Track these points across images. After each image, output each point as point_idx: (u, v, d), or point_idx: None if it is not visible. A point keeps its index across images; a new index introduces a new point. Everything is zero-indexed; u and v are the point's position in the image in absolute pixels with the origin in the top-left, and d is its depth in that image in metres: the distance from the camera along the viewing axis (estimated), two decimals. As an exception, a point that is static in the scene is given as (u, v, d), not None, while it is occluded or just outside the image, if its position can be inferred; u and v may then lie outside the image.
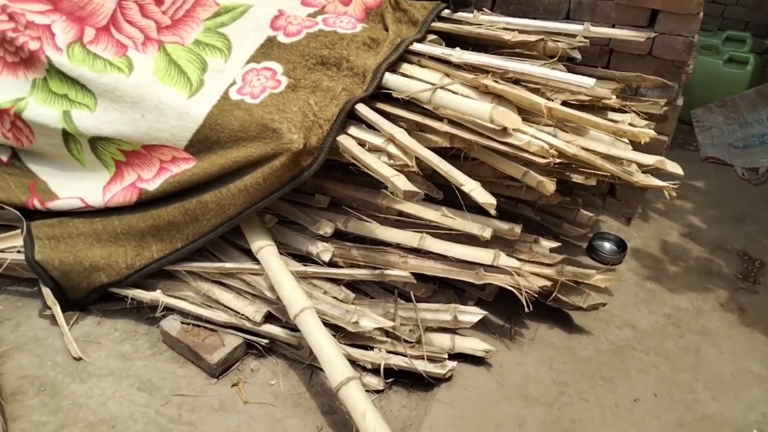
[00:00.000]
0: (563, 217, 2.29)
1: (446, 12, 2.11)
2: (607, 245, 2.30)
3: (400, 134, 1.62)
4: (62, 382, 1.63)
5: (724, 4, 3.63)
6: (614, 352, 1.86)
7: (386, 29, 2.03)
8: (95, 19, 2.05)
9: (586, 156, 1.61)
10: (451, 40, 2.07)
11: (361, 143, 1.71)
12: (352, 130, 1.75)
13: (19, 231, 1.93)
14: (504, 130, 1.64)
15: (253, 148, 1.70)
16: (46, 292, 1.84)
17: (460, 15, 2.08)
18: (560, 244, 2.00)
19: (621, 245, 2.28)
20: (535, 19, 2.12)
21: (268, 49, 1.94)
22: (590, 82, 1.63)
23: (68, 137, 1.95)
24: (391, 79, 1.82)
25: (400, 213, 1.90)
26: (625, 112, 1.99)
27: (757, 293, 2.13)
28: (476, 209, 1.81)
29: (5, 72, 2.04)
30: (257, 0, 2.12)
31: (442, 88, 1.75)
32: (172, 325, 1.80)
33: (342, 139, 1.71)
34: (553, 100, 1.85)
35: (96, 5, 2.06)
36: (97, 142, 1.92)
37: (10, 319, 1.85)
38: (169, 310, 1.83)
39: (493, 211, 1.51)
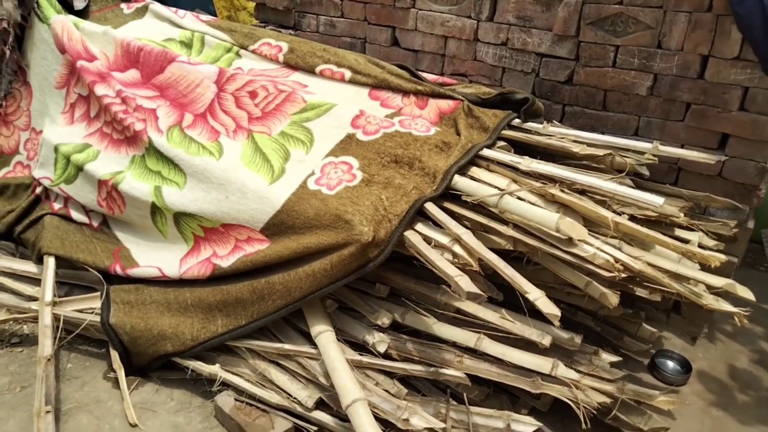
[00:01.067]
0: (624, 330, 2.23)
1: (517, 121, 2.21)
2: (671, 364, 2.20)
3: (466, 235, 1.67)
4: (117, 447, 1.67)
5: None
6: (678, 483, 1.74)
7: (458, 134, 2.14)
8: (195, 107, 2.28)
9: (652, 273, 1.61)
10: (520, 148, 2.16)
11: (427, 240, 1.77)
12: (420, 226, 1.82)
13: (98, 294, 2.06)
14: (569, 240, 1.67)
15: (324, 236, 1.79)
16: (114, 355, 1.93)
17: (530, 125, 2.18)
18: (621, 358, 1.94)
19: (685, 365, 2.19)
20: (603, 134, 2.19)
21: (347, 144, 2.08)
22: (659, 201, 1.65)
23: (156, 210, 2.11)
24: (460, 181, 1.91)
25: (458, 310, 1.91)
26: (694, 230, 1.98)
27: (838, 434, 1.97)
28: (536, 315, 1.81)
29: (110, 148, 2.28)
30: (341, 100, 2.31)
31: (510, 193, 1.81)
32: (226, 401, 1.83)
33: (409, 234, 1.78)
34: (620, 214, 1.88)
35: (197, 94, 2.30)
36: (180, 217, 2.07)
37: (77, 378, 1.94)
38: (225, 385, 1.87)
39: (557, 323, 1.51)
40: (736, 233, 1.99)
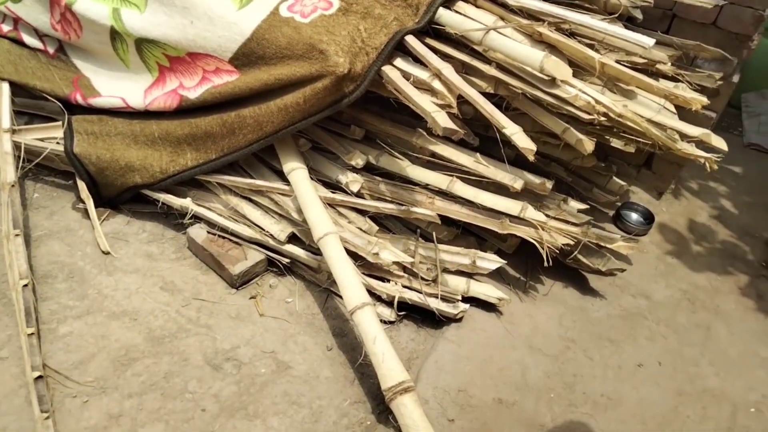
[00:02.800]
0: (595, 182, 2.26)
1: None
2: (635, 215, 2.28)
3: (447, 70, 1.60)
4: (90, 272, 1.70)
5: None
6: (625, 318, 1.88)
7: (445, -37, 1.96)
8: None
9: (631, 117, 1.58)
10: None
11: (406, 76, 1.69)
12: (399, 62, 1.73)
13: (60, 123, 1.96)
14: (553, 81, 1.61)
15: (297, 67, 1.69)
16: (81, 185, 1.89)
17: (523, -42, 2.00)
18: (588, 206, 1.99)
19: (648, 217, 2.27)
20: (600, -28, 2.03)
21: (324, -31, 1.90)
22: (649, 42, 1.57)
23: (115, 36, 1.95)
24: (444, 14, 1.78)
25: (433, 154, 1.89)
26: (678, 81, 1.93)
27: (778, 283, 2.12)
28: (509, 162, 1.80)
29: (60, -39, 2.03)
30: None
31: (495, 30, 1.71)
32: (198, 233, 1.85)
33: (387, 69, 1.69)
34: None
35: None
36: (143, 44, 1.92)
37: (45, 207, 1.91)
38: (196, 218, 1.88)
39: (532, 157, 1.51)
40: (719, 86, 1.95)
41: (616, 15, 1.84)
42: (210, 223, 1.88)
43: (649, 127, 1.58)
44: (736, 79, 2.02)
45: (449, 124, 1.49)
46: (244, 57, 1.80)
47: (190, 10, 1.84)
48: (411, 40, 1.70)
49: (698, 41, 1.94)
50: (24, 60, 2.09)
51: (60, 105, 1.99)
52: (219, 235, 1.85)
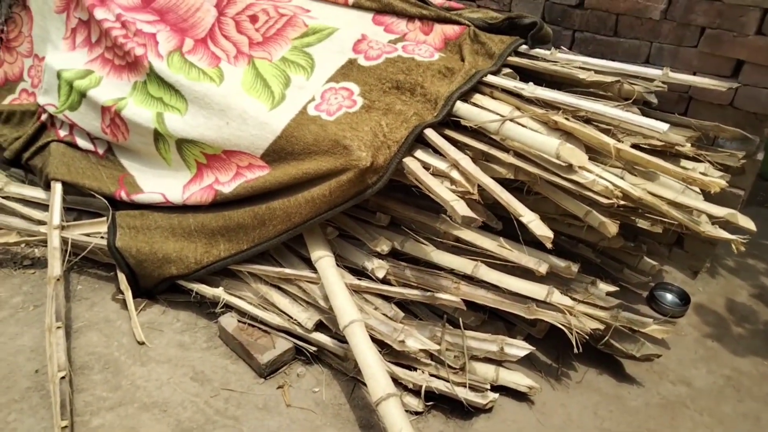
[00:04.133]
0: (625, 262, 2.23)
1: (524, 48, 2.14)
2: (669, 296, 2.22)
3: (465, 161, 1.66)
4: (125, 362, 1.75)
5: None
6: (665, 407, 1.79)
7: (462, 60, 2.09)
8: (195, 32, 2.24)
9: (651, 201, 1.59)
10: (526, 75, 2.10)
11: (426, 166, 1.76)
12: (419, 153, 1.81)
13: (105, 218, 2.10)
14: (570, 167, 1.65)
15: (323, 162, 1.79)
16: (121, 277, 1.99)
17: (537, 51, 2.11)
18: (618, 289, 1.96)
19: (684, 298, 2.20)
20: (613, 60, 2.11)
21: (348, 70, 2.04)
22: (663, 126, 1.61)
23: (158, 137, 2.12)
24: (461, 107, 1.87)
25: (457, 239, 1.92)
26: (700, 161, 1.94)
27: (831, 367, 1.99)
28: (534, 244, 1.82)
29: (112, 74, 2.26)
30: (344, 24, 2.25)
31: (511, 120, 1.78)
32: (229, 321, 1.90)
33: (407, 161, 1.77)
34: (623, 142, 1.84)
35: (198, 19, 2.25)
36: (183, 144, 2.08)
37: (87, 299, 2.01)
38: (228, 307, 1.93)
39: (549, 245, 1.52)
40: (743, 165, 1.95)
41: (630, 101, 1.89)
42: (240, 312, 1.92)
43: (670, 210, 1.58)
44: (760, 156, 2.02)
45: (468, 212, 1.53)
46: (275, 153, 1.92)
47: (226, 111, 2.00)
48: (430, 133, 1.79)
49: (717, 122, 1.96)
50: (76, 161, 2.28)
51: (106, 202, 2.13)
52: (249, 324, 1.90)
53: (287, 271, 1.92)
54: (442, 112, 1.85)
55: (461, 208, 1.53)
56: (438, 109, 1.87)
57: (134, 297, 1.97)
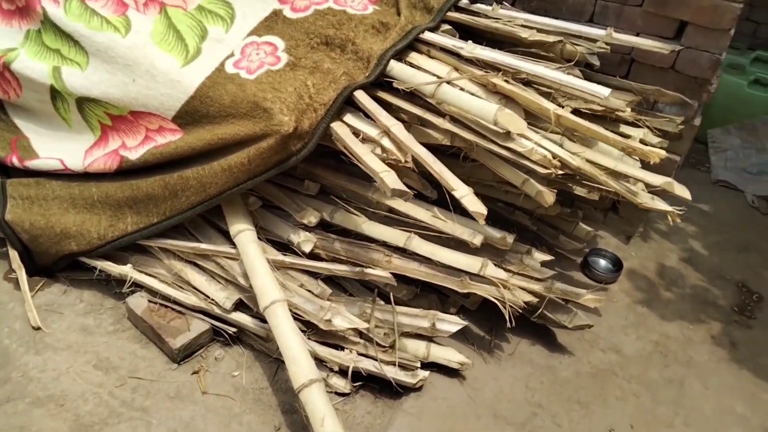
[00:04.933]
0: (561, 228, 2.20)
1: (464, 2, 1.99)
2: (603, 262, 2.21)
3: (397, 128, 1.52)
4: (16, 351, 1.56)
5: (758, 23, 3.48)
6: (595, 376, 1.78)
7: (399, 14, 1.91)
8: (96, -28, 1.94)
9: (590, 170, 1.52)
10: (466, 32, 1.96)
11: (356, 132, 1.61)
12: (348, 117, 1.65)
13: (-8, 186, 1.84)
14: (507, 134, 1.54)
15: (241, 126, 1.61)
16: (13, 255, 1.77)
17: (479, 7, 1.96)
18: (553, 257, 1.92)
19: (617, 264, 2.20)
20: (556, 18, 2.00)
21: (272, 22, 1.84)
22: (605, 91, 1.52)
23: (56, 94, 1.85)
24: (396, 67, 1.72)
25: (390, 209, 1.81)
26: (639, 126, 1.89)
27: (751, 328, 2.05)
28: (469, 214, 1.73)
29: (0, 19, 1.94)
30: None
31: (448, 82, 1.65)
32: (138, 302, 1.73)
33: (336, 126, 1.62)
34: (564, 107, 1.76)
35: (97, -44, 1.95)
36: (84, 103, 1.83)
37: (-26, 278, 1.78)
38: (138, 286, 1.76)
39: (482, 222, 1.43)
40: (681, 130, 1.91)
41: (573, 63, 1.79)
42: (152, 291, 1.75)
43: (608, 180, 1.52)
44: (697, 122, 1.98)
45: (398, 185, 1.41)
46: (188, 115, 1.71)
47: (132, 67, 1.76)
48: (360, 96, 1.63)
49: (658, 85, 1.90)
50: (-43, 119, 1.98)
51: (-6, 168, 1.87)
52: (161, 304, 1.73)
53: (203, 246, 1.75)
54: (374, 72, 1.69)
55: (391, 181, 1.40)
56: (370, 69, 1.71)
57: (30, 275, 1.76)
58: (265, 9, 1.85)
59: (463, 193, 1.39)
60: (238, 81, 1.67)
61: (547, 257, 1.90)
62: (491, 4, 1.96)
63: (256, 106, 1.59)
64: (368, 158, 1.47)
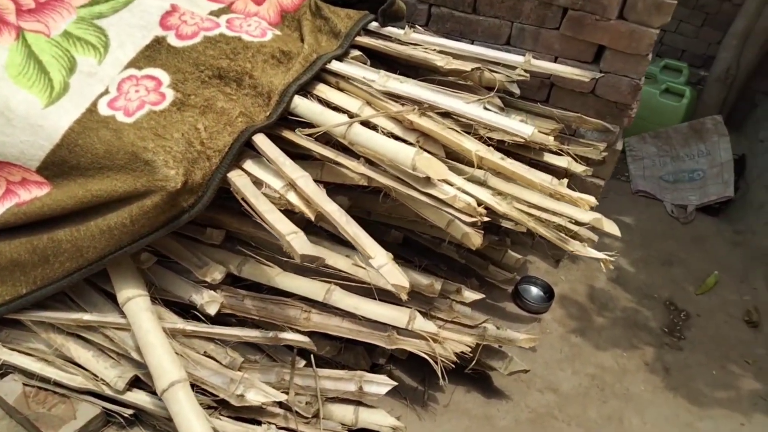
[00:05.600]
0: (490, 257, 2.10)
1: (374, 25, 1.83)
2: (534, 291, 2.13)
3: (303, 180, 1.34)
4: None
5: (664, 30, 3.56)
6: (534, 421, 1.69)
7: (302, 40, 1.72)
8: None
9: (517, 216, 1.41)
10: (378, 58, 1.80)
11: (259, 183, 1.41)
12: (249, 164, 1.45)
13: None
14: (427, 179, 1.40)
15: (119, 182, 1.37)
16: None
17: (390, 30, 1.81)
18: (483, 296, 1.81)
19: (548, 291, 2.13)
20: (473, 41, 1.89)
21: (155, 52, 1.59)
22: (527, 130, 1.41)
23: None
24: (301, 104, 1.53)
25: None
26: (563, 154, 1.81)
27: (681, 350, 2.03)
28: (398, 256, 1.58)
29: None
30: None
31: (360, 122, 1.48)
32: (11, 388, 1.46)
33: (234, 176, 1.41)
34: (488, 139, 1.63)
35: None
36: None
37: None
38: (10, 367, 1.48)
39: (404, 296, 1.27)
40: (605, 157, 1.85)
41: (493, 93, 1.68)
42: (27, 373, 1.48)
43: (536, 227, 1.41)
44: (620, 146, 1.94)
45: (308, 249, 1.23)
46: (55, 167, 1.45)
47: (-16, 108, 1.47)
48: (259, 141, 1.44)
49: (578, 110, 1.83)
50: None
51: None
52: (40, 388, 1.47)
53: (87, 317, 1.50)
54: (275, 111, 1.50)
55: (300, 245, 1.22)
56: (271, 107, 1.51)
57: None
58: (145, 36, 1.61)
59: (382, 262, 1.22)
60: (113, 125, 1.43)
61: (478, 296, 1.79)
62: (404, 28, 1.81)
63: (135, 158, 1.35)
64: (272, 217, 1.28)
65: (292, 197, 1.33)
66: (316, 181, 1.56)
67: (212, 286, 1.59)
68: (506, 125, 1.43)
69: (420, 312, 1.59)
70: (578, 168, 1.78)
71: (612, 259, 1.45)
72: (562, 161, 1.78)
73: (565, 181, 1.56)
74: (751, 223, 2.67)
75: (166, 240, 1.64)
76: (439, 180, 1.39)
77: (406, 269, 1.66)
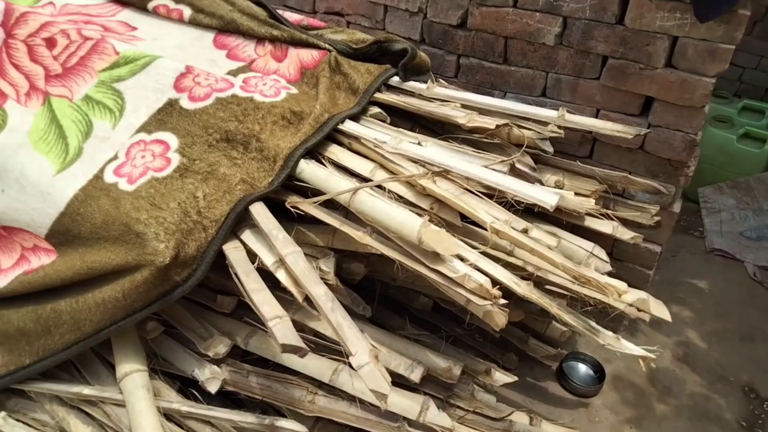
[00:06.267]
0: (531, 328, 1.89)
1: (396, 79, 1.72)
2: (582, 369, 1.88)
3: (293, 257, 1.22)
4: None
5: (742, 67, 3.23)
6: None
7: (317, 98, 1.65)
8: (-30, 61, 1.70)
9: (537, 299, 1.21)
10: (400, 115, 1.69)
11: (254, 255, 1.32)
12: (247, 235, 1.36)
13: None
14: (436, 254, 1.25)
15: (113, 254, 1.32)
16: None
17: (412, 85, 1.70)
18: (516, 379, 1.60)
19: (599, 370, 1.87)
20: (505, 93, 1.74)
21: (166, 115, 1.57)
22: (552, 200, 1.24)
23: None
24: (306, 168, 1.44)
25: (316, 333, 1.50)
26: (607, 218, 1.59)
27: (764, 449, 1.70)
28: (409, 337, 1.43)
29: None
30: (174, 48, 1.79)
31: (369, 187, 1.36)
32: (10, 462, 1.41)
33: (230, 248, 1.33)
34: (514, 204, 1.46)
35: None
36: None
37: None
38: (11, 440, 1.44)
39: (384, 405, 1.11)
40: (658, 221, 1.61)
41: (523, 148, 1.51)
42: (26, 448, 1.44)
43: (560, 314, 1.21)
44: (677, 208, 1.69)
45: (291, 339, 1.10)
46: (60, 235, 1.43)
47: (1, 174, 1.49)
48: (255, 210, 1.35)
49: (626, 168, 1.63)
50: None
51: None
52: (38, 463, 1.42)
53: (86, 391, 1.44)
54: (278, 177, 1.42)
55: (282, 333, 1.10)
56: (275, 172, 1.43)
57: None
58: (159, 99, 1.59)
59: (362, 361, 1.07)
60: (114, 194, 1.40)
61: (510, 378, 1.59)
62: (427, 81, 1.70)
63: (128, 229, 1.31)
64: (259, 298, 1.17)
65: (281, 275, 1.22)
66: (330, 248, 1.47)
67: (217, 361, 1.50)
68: (526, 193, 1.26)
69: (436, 398, 1.42)
70: (625, 234, 1.56)
71: (654, 356, 1.21)
72: (605, 226, 1.56)
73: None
74: None
75: (175, 306, 1.58)
76: (451, 255, 1.23)
77: (422, 348, 1.50)
